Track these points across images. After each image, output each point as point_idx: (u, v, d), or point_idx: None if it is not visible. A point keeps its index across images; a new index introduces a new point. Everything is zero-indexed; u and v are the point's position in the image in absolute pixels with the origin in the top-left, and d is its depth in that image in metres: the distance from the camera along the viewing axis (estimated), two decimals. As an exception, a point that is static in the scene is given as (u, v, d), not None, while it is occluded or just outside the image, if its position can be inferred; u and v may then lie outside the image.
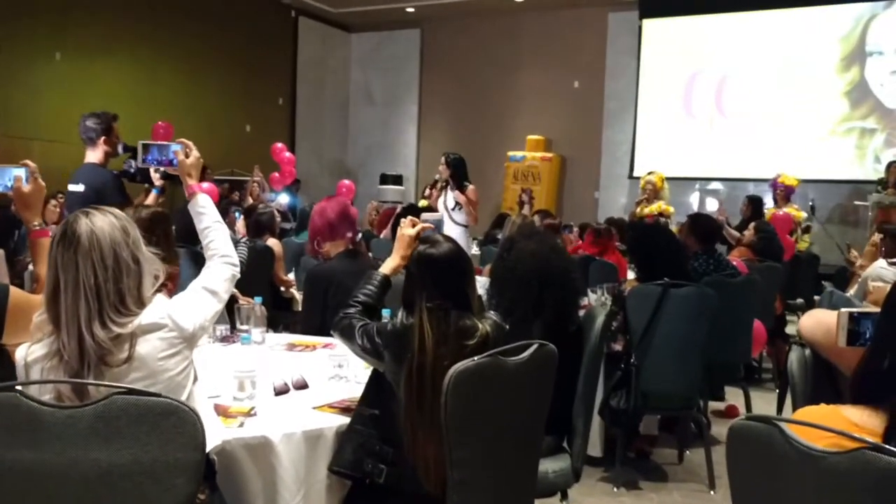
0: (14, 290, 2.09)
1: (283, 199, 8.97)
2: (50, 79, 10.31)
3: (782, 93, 11.77)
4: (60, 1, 10.28)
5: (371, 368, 2.43)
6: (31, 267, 5.44)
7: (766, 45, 11.98)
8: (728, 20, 12.27)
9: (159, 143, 2.50)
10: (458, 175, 6.53)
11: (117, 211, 1.89)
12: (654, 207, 8.78)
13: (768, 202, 8.77)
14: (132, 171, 4.42)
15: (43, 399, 1.57)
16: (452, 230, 6.05)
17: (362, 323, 2.38)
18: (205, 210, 2.31)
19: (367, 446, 2.25)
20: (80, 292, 1.74)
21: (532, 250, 2.91)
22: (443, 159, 6.67)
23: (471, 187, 6.50)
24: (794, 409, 2.04)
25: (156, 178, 4.30)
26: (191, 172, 2.40)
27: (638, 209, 9.03)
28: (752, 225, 6.55)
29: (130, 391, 1.50)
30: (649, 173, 9.30)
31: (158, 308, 1.86)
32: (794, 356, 1.97)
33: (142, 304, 1.83)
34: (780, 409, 2.28)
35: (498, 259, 3.07)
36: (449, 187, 6.54)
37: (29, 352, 1.79)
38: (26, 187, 2.42)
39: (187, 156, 2.42)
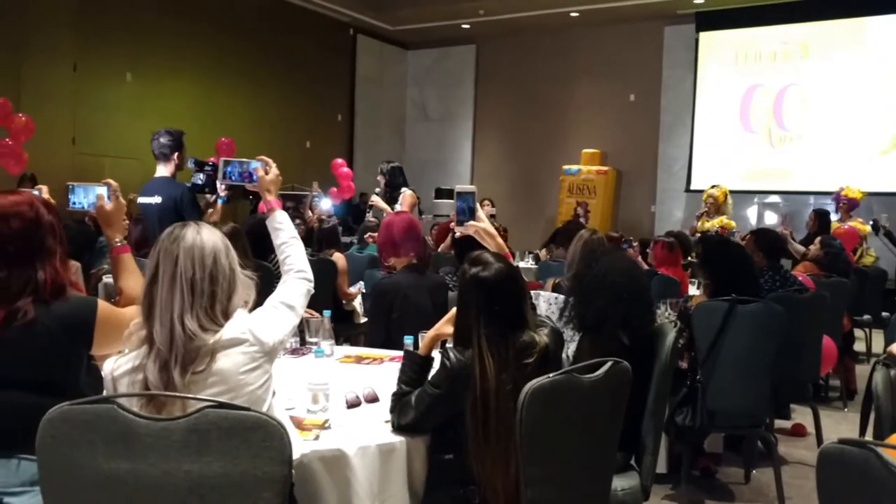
0: (101, 304, 2.16)
1: (325, 204, 9.01)
2: (121, 98, 10.67)
3: (844, 104, 11.52)
4: (132, 23, 10.64)
5: None
6: (104, 279, 5.65)
7: (827, 56, 11.74)
8: (787, 31, 12.06)
9: (240, 159, 2.56)
10: (393, 184, 6.42)
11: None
12: (716, 222, 8.67)
13: (833, 216, 8.58)
14: (201, 183, 4.62)
15: (134, 410, 1.61)
16: None
17: (415, 394, 2.31)
18: (282, 226, 2.38)
19: (454, 494, 2.27)
20: (177, 283, 1.83)
21: (620, 264, 2.88)
22: (379, 168, 6.57)
23: (406, 193, 6.33)
24: (878, 431, 1.98)
25: (221, 189, 4.54)
26: (270, 188, 2.47)
27: (699, 223, 8.92)
28: (817, 239, 6.41)
29: (221, 405, 1.53)
30: (712, 187, 9.16)
31: (240, 322, 1.91)
32: (879, 377, 1.91)
33: (227, 317, 1.89)
34: (862, 431, 2.21)
35: (584, 271, 3.03)
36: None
37: (115, 366, 1.84)
38: (108, 205, 2.52)
39: (267, 173, 2.50)
